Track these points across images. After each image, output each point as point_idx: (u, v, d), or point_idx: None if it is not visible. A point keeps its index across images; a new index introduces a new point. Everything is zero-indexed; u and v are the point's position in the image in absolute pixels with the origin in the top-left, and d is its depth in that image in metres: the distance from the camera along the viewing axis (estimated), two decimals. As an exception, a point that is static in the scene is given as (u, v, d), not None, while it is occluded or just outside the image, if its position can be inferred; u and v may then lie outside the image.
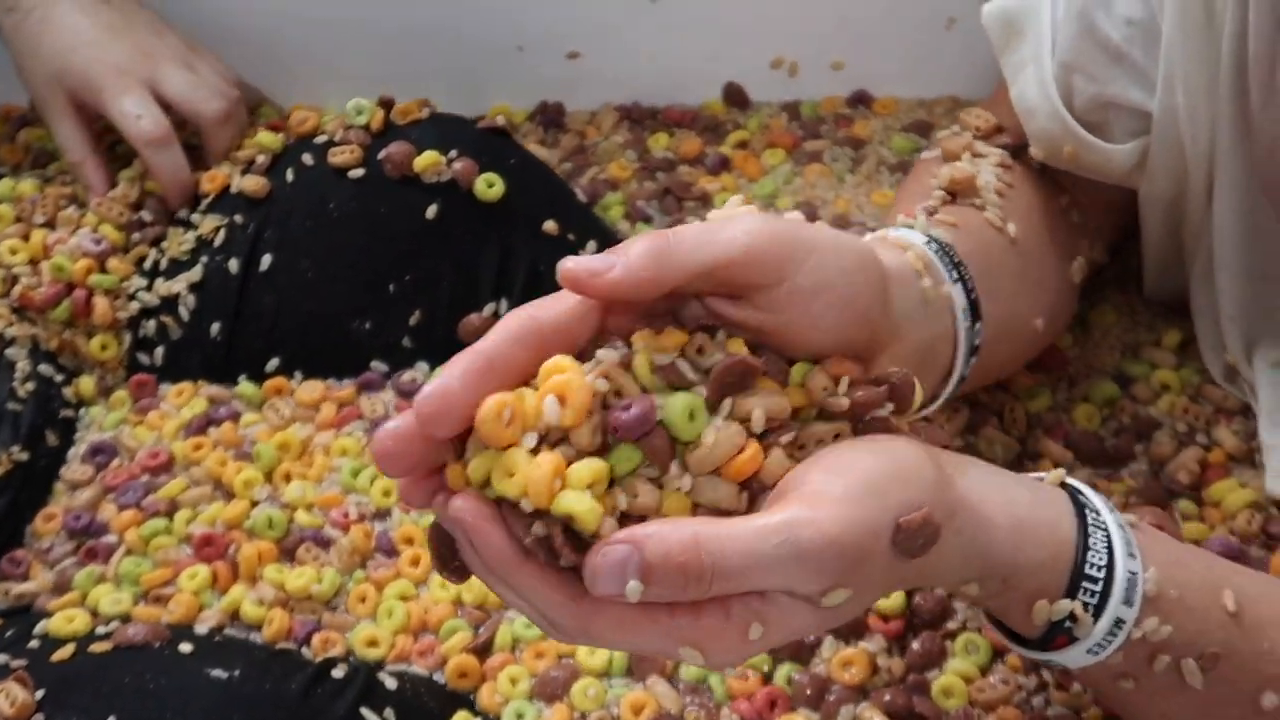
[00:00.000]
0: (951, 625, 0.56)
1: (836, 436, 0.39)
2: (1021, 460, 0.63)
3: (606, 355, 0.38)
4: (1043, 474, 0.46)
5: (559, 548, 0.35)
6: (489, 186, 0.69)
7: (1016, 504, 0.42)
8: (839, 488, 0.37)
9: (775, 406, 0.38)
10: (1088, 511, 0.43)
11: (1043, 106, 0.59)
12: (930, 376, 0.51)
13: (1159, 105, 0.58)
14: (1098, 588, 0.42)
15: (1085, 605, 0.42)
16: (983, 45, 0.62)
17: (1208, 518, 0.60)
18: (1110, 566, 0.42)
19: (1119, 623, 0.42)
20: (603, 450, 0.37)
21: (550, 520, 0.36)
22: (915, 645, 0.55)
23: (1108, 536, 0.43)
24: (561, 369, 0.37)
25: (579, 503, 0.35)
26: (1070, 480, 0.45)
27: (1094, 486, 0.59)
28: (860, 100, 0.85)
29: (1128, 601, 0.42)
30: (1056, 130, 0.59)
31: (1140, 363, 0.67)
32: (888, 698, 0.54)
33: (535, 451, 0.36)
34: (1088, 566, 0.42)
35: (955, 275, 0.52)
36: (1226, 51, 0.56)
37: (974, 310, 0.52)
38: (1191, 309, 0.64)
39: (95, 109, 0.73)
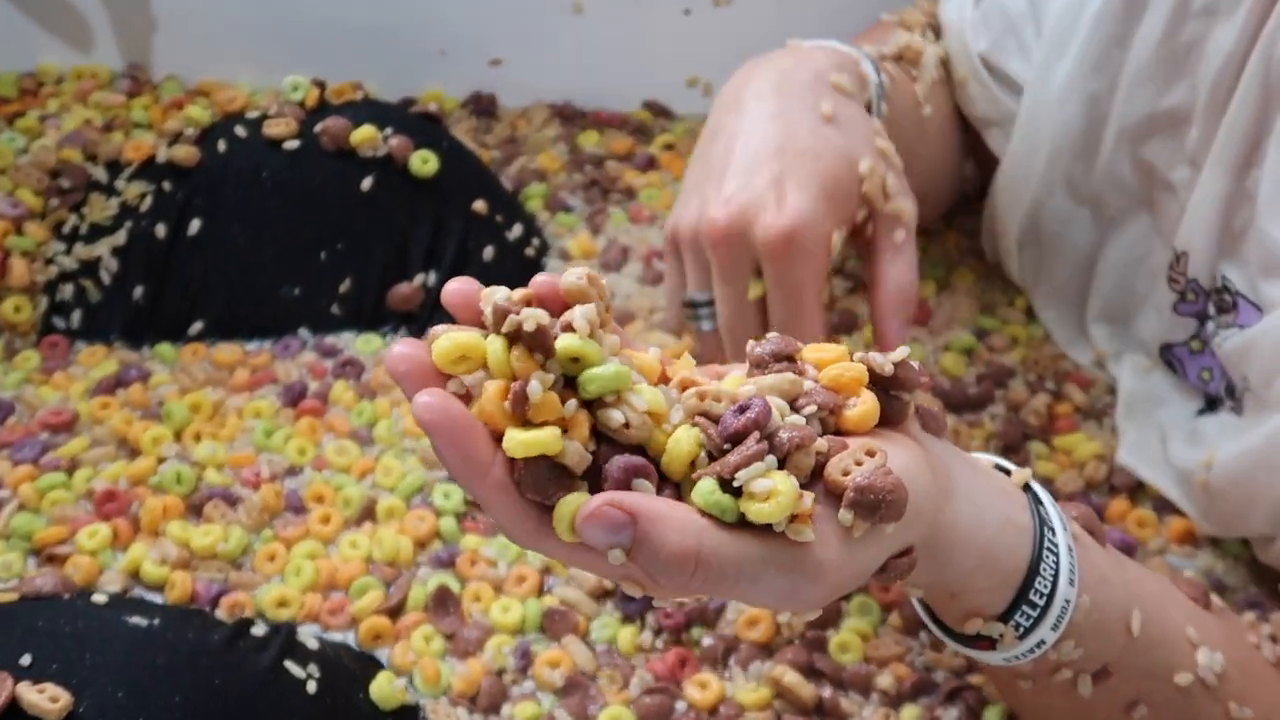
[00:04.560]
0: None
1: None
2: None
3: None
4: (1008, 465, 0.46)
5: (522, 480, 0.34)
6: (424, 163, 0.70)
7: (985, 528, 0.41)
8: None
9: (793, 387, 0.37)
10: (1045, 530, 0.43)
11: (953, 27, 0.67)
12: None
13: (1028, 95, 0.64)
14: (1035, 613, 0.43)
15: (1017, 626, 0.43)
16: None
17: (1058, 462, 0.66)
18: (1051, 595, 0.42)
19: (1040, 643, 0.43)
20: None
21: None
22: (815, 605, 0.56)
23: (1056, 563, 0.43)
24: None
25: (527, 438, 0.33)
26: (1034, 485, 0.45)
27: (956, 435, 0.65)
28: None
29: (1055, 627, 0.43)
30: (958, 53, 0.67)
31: (994, 318, 0.73)
32: (790, 655, 0.55)
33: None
34: (1032, 593, 0.42)
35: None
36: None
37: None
38: (1039, 305, 0.71)
39: None
